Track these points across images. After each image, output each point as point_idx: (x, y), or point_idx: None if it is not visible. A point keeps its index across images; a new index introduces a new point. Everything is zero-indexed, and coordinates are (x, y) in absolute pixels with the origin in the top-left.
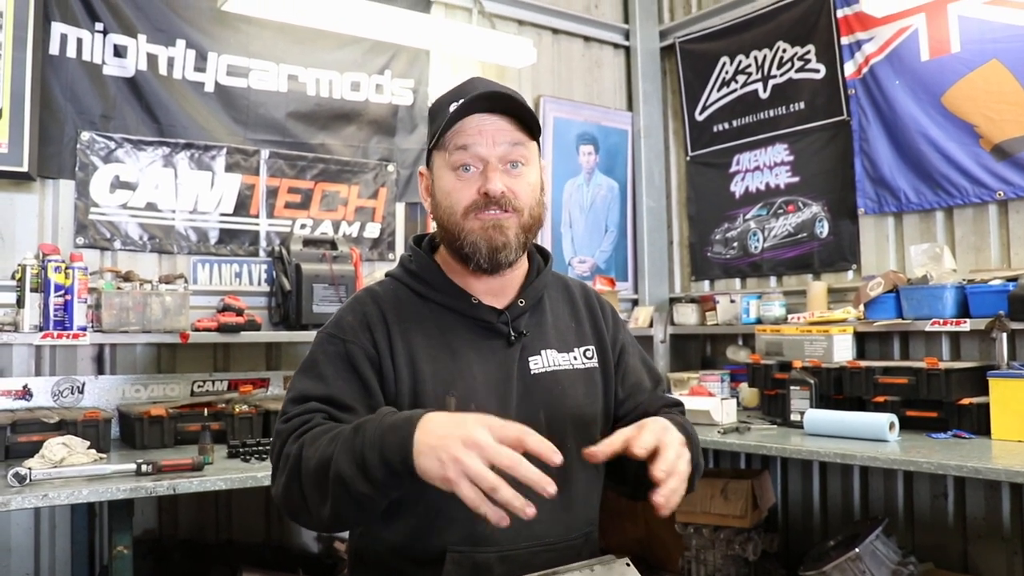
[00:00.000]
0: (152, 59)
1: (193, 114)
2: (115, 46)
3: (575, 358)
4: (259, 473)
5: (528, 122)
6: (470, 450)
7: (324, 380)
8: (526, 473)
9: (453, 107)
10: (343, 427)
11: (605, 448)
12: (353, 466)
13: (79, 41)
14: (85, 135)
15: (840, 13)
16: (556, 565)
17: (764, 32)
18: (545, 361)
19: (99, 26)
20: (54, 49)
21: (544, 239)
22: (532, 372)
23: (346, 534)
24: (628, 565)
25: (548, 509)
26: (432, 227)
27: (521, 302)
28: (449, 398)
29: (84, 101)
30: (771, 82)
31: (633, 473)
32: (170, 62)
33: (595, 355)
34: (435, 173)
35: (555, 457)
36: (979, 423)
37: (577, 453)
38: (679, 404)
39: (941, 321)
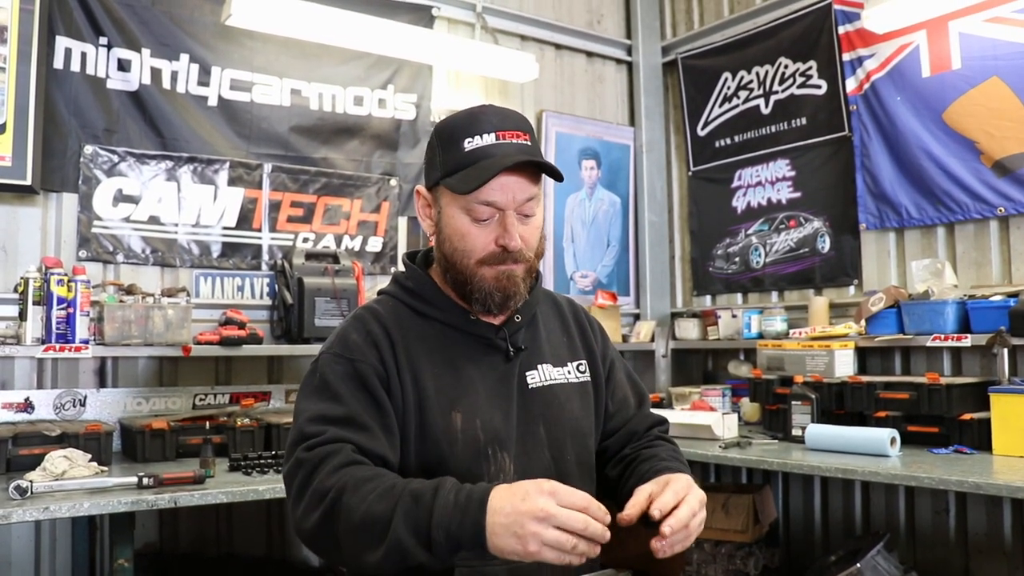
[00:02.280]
0: (156, 73)
1: (196, 128)
2: (119, 60)
3: (569, 372)
4: (261, 487)
5: (548, 172)
6: (543, 522)
7: (340, 400)
8: (595, 532)
9: (468, 144)
10: (388, 480)
11: (633, 511)
12: (414, 537)
13: (83, 55)
14: (88, 149)
15: (842, 29)
16: None
17: (766, 48)
18: (542, 375)
19: (103, 40)
20: (58, 63)
21: (546, 254)
22: (530, 387)
23: None
24: None
25: None
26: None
27: (518, 318)
28: (455, 414)
29: (88, 115)
30: (773, 98)
31: (628, 475)
32: (174, 76)
33: (587, 369)
34: (443, 206)
35: (605, 534)
36: (980, 438)
37: (575, 465)
38: (664, 422)
39: (942, 336)
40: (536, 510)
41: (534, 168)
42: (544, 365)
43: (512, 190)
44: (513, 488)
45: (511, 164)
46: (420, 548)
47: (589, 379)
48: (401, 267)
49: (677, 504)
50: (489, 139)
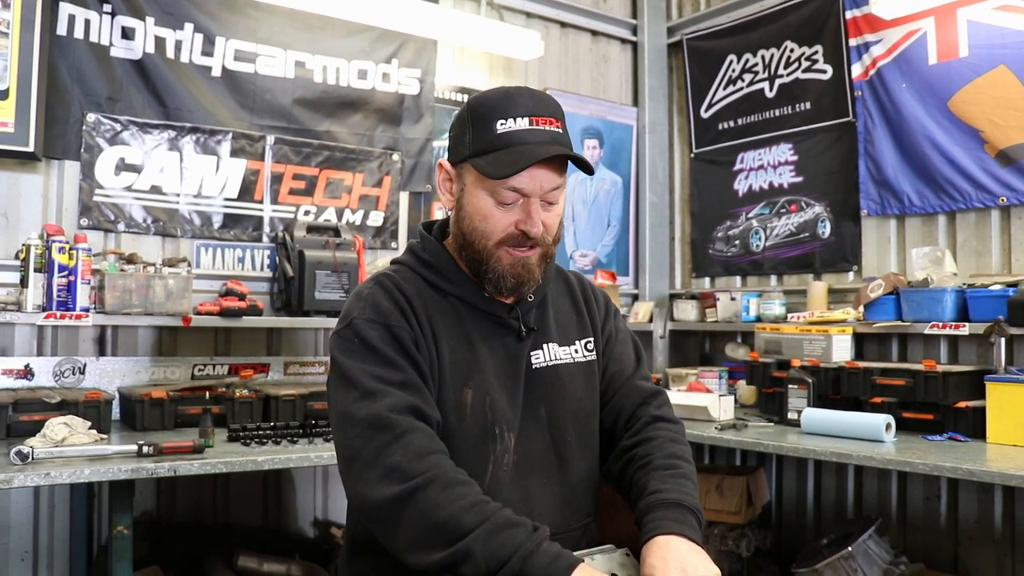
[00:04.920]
0: (160, 42)
1: (199, 98)
2: (123, 28)
3: (576, 351)
4: (259, 457)
5: (580, 165)
6: None
7: (394, 365)
8: None
9: (501, 126)
10: (476, 490)
11: None
12: (485, 555)
13: (87, 22)
14: (91, 117)
15: (849, 14)
16: None
17: (772, 31)
18: (546, 356)
19: (107, 7)
20: (62, 30)
21: None
22: (534, 367)
23: (343, 520)
24: (627, 555)
25: (551, 500)
26: (436, 214)
27: (530, 298)
28: (466, 390)
29: (91, 83)
30: (778, 81)
31: (628, 482)
32: (178, 45)
33: (595, 346)
34: (467, 184)
35: None
36: (975, 427)
37: (576, 446)
38: (659, 394)
39: (940, 324)
40: None
41: (565, 159)
42: (550, 344)
43: (540, 179)
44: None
45: (544, 157)
46: (483, 565)
47: (595, 357)
48: (403, 242)
49: None
50: (523, 123)
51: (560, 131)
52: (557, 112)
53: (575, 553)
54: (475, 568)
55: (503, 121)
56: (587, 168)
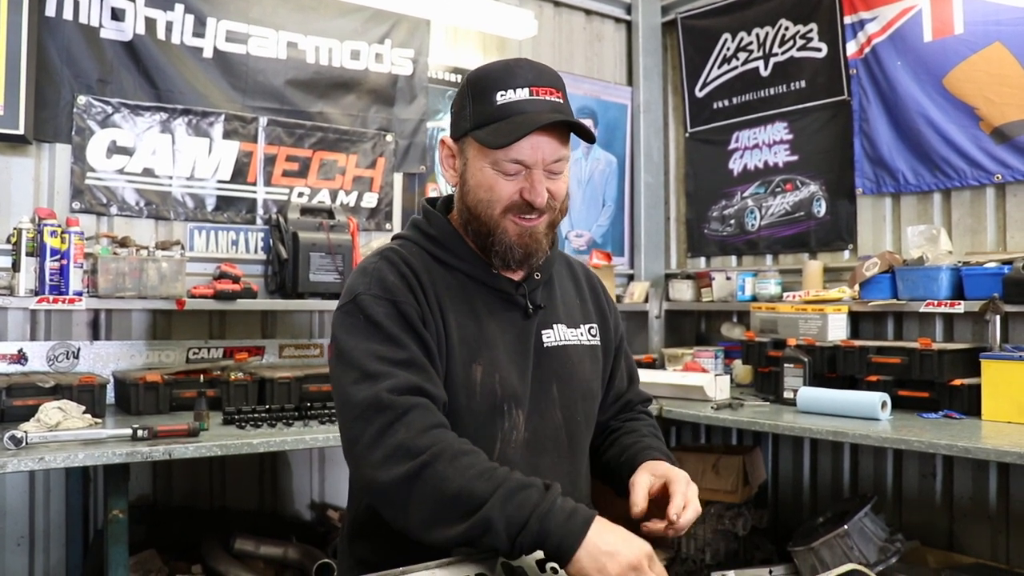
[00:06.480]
0: (150, 23)
1: (191, 80)
2: (112, 9)
3: (581, 334)
4: (254, 440)
5: (580, 133)
6: (636, 572)
7: (396, 342)
8: None
9: (500, 97)
10: (484, 458)
11: (642, 507)
12: (505, 521)
13: (76, 3)
14: (82, 99)
15: None
16: None
17: (766, 9)
18: (557, 335)
19: None
20: (50, 11)
21: None
22: (545, 346)
23: (340, 502)
24: None
25: (559, 479)
26: (430, 192)
27: (537, 275)
28: (476, 366)
29: (81, 64)
30: (772, 60)
31: (614, 475)
32: (168, 26)
33: (598, 333)
34: (469, 158)
35: None
36: (970, 404)
37: (584, 425)
38: (650, 401)
39: (935, 302)
40: (636, 559)
41: (566, 128)
42: (559, 325)
43: (542, 149)
44: (618, 528)
45: (544, 124)
46: (504, 532)
47: (599, 343)
48: (397, 224)
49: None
50: (523, 94)
51: (561, 101)
52: (558, 83)
53: None
54: (496, 536)
55: (503, 92)
56: (588, 136)
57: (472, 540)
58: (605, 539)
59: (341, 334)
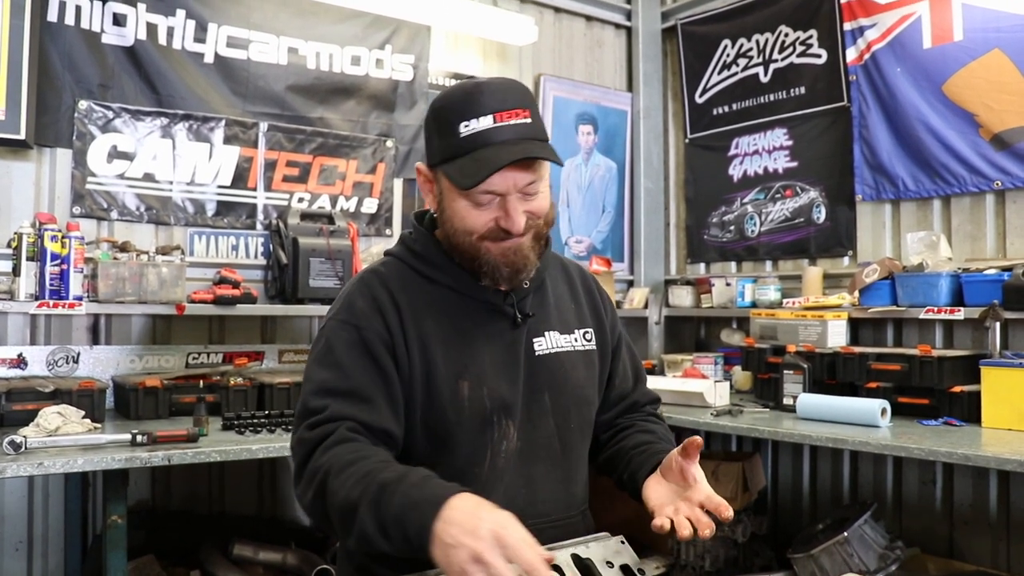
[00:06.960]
0: (151, 28)
1: (192, 85)
2: (114, 14)
3: (575, 340)
4: (253, 446)
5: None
6: (478, 565)
7: (343, 371)
8: None
9: (464, 128)
10: (367, 464)
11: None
12: (377, 530)
13: (78, 8)
14: (83, 104)
15: None
16: (557, 541)
17: (766, 16)
18: (548, 343)
19: None
20: (52, 16)
21: None
22: (536, 354)
23: None
24: (623, 543)
25: (553, 487)
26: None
27: (526, 284)
28: (461, 383)
29: (82, 69)
30: (772, 66)
31: (622, 474)
32: (170, 32)
33: (594, 337)
34: (443, 188)
35: None
36: (970, 411)
37: (578, 433)
38: (658, 401)
39: (935, 309)
40: (477, 553)
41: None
42: (551, 332)
43: (513, 178)
44: (473, 512)
45: (508, 163)
46: (381, 537)
47: (595, 347)
48: (398, 229)
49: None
50: (486, 122)
51: (528, 121)
52: (523, 100)
53: (569, 542)
54: (379, 540)
55: (466, 124)
56: (556, 160)
57: (369, 548)
58: (450, 532)
59: (309, 357)
